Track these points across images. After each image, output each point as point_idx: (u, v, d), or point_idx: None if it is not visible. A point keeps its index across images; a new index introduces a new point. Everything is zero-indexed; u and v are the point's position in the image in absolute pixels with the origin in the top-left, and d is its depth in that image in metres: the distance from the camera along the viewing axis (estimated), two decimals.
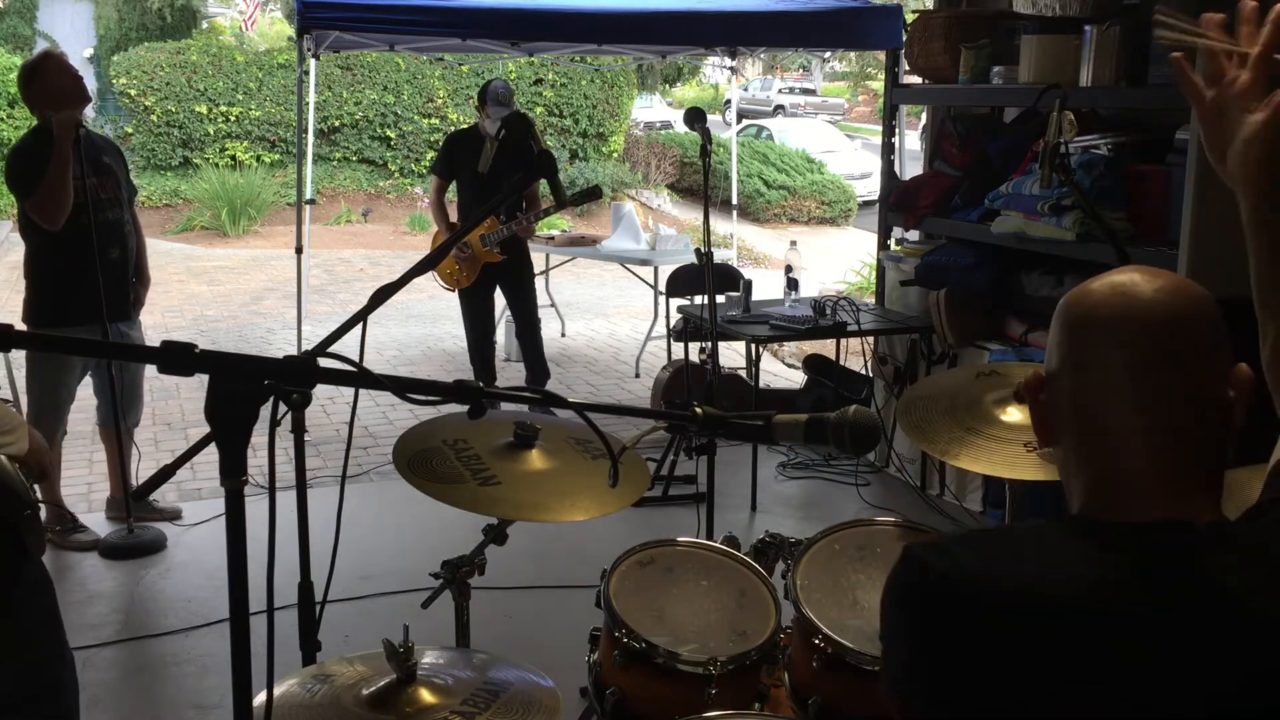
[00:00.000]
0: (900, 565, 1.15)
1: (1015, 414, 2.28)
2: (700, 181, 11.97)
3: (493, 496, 2.07)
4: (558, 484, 2.15)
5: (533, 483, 2.14)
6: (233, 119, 15.71)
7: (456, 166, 6.07)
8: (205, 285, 10.98)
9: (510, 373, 7.24)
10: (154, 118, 15.54)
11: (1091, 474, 1.16)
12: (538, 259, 7.62)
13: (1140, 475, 1.13)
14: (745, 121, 20.85)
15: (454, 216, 6.31)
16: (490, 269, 6.04)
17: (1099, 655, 1.04)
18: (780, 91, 30.55)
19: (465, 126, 6.52)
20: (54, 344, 2.11)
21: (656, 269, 7.70)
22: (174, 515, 4.80)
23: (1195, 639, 1.04)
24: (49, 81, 4.19)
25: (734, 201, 9.90)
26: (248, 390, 1.20)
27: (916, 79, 5.50)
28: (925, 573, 1.12)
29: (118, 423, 4.49)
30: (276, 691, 1.69)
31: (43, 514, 2.51)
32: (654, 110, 24.03)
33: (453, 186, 6.24)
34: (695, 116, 4.01)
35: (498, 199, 3.37)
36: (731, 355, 7.41)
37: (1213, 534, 1.11)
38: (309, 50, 6.55)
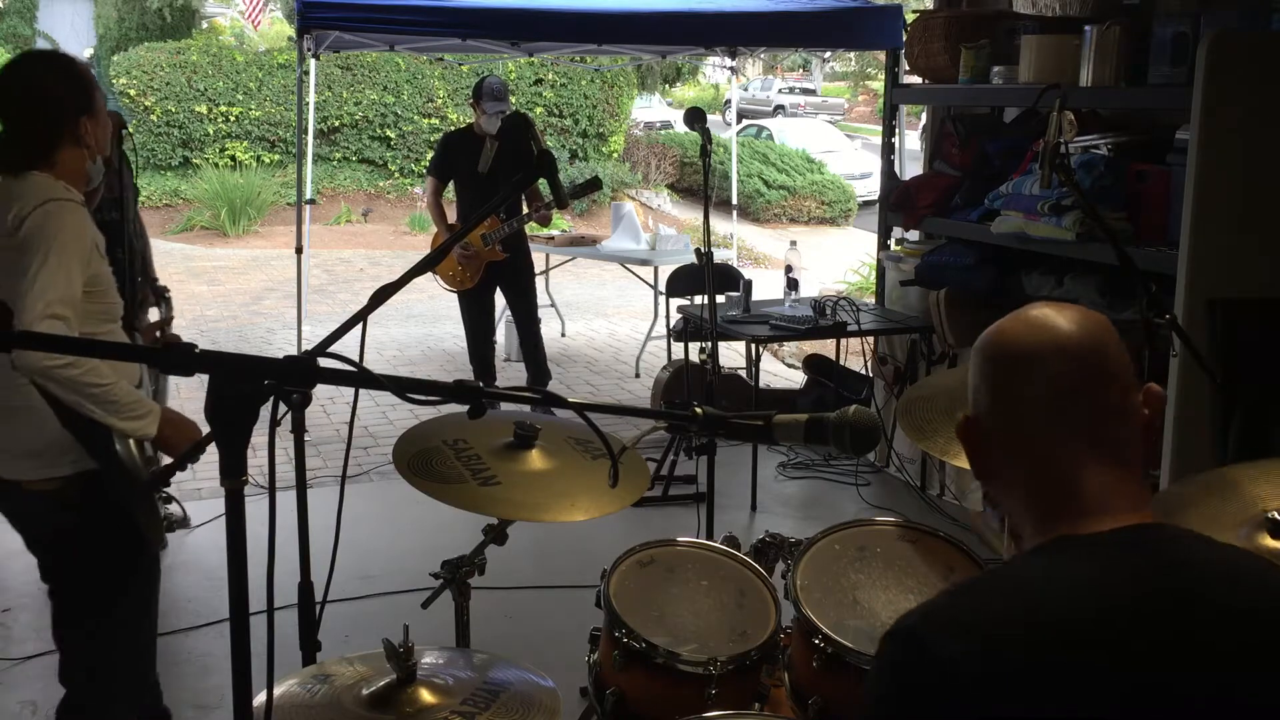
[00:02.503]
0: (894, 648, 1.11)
1: None
2: (700, 181, 11.97)
3: (493, 496, 2.07)
4: (558, 484, 2.15)
5: (533, 483, 2.14)
6: (233, 119, 15.70)
7: (453, 168, 6.06)
8: (205, 285, 10.97)
9: (510, 373, 7.24)
10: (154, 118, 15.54)
11: (1044, 505, 1.19)
12: (538, 259, 7.62)
13: (1092, 495, 1.16)
14: (745, 121, 20.85)
15: (452, 217, 6.30)
16: (491, 269, 6.03)
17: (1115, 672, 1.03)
18: (780, 91, 30.53)
19: (460, 127, 6.51)
20: (54, 344, 2.11)
21: (656, 269, 7.70)
22: (180, 523, 4.76)
23: (1190, 629, 1.06)
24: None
25: (734, 201, 9.90)
26: (248, 390, 1.20)
27: (916, 79, 5.50)
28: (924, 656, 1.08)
29: None
30: (276, 691, 1.69)
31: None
32: (654, 110, 24.02)
33: (450, 188, 6.24)
34: (695, 116, 4.01)
35: (497, 200, 3.34)
36: (731, 355, 7.41)
37: (1175, 533, 1.17)
38: (309, 50, 6.55)
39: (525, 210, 5.95)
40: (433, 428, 2.27)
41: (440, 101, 16.22)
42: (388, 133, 16.09)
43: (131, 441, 2.41)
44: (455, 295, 6.23)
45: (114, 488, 2.42)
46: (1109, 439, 1.18)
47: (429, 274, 3.78)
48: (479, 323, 6.24)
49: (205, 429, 1.24)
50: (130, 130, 4.20)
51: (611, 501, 2.13)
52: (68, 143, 2.44)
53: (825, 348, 6.52)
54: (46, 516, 2.50)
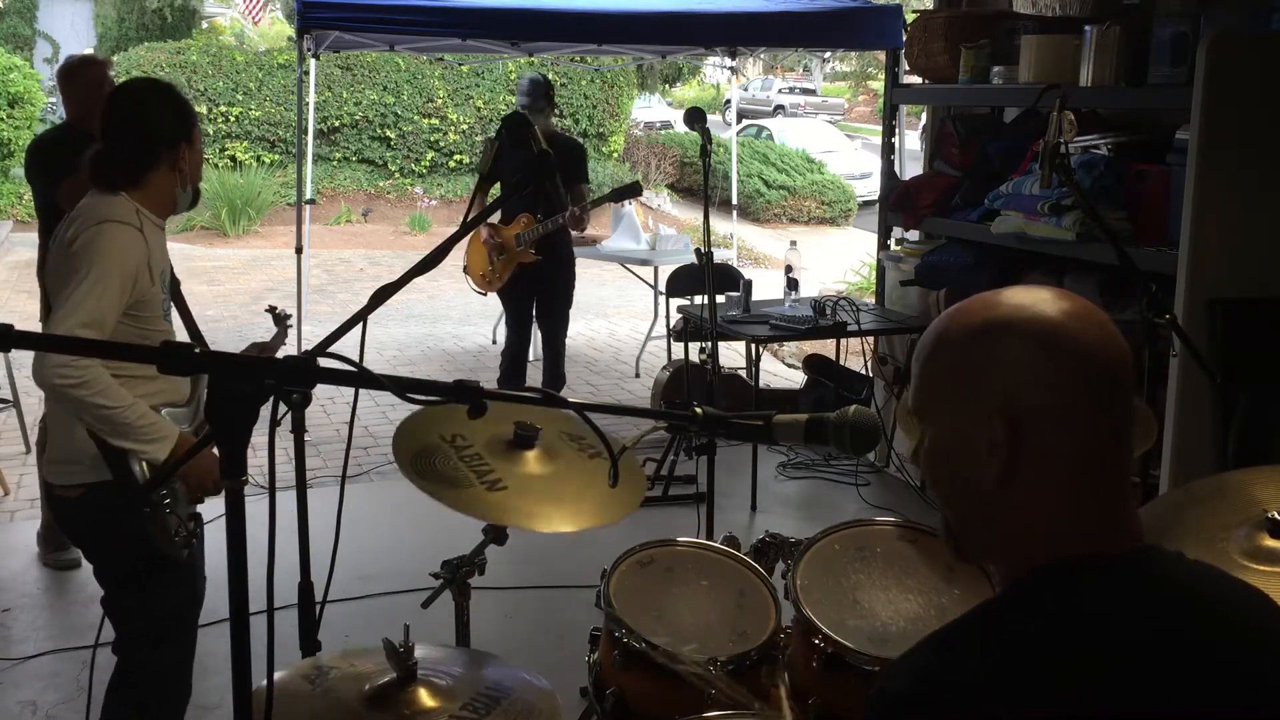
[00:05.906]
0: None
1: None
2: (700, 181, 11.97)
3: (503, 505, 2.04)
4: (563, 488, 2.13)
5: (538, 487, 2.12)
6: (233, 119, 15.70)
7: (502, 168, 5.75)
8: (205, 285, 10.97)
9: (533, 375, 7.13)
10: None
11: (1081, 514, 1.11)
12: None
13: (1116, 515, 1.12)
14: (745, 121, 20.86)
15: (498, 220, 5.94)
16: (529, 275, 5.81)
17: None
18: (780, 91, 30.53)
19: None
20: (54, 344, 2.11)
21: (656, 269, 7.70)
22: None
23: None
24: (81, 94, 4.24)
25: (734, 201, 9.90)
26: (248, 390, 1.20)
27: (916, 79, 5.50)
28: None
29: None
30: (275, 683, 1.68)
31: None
32: (654, 110, 24.03)
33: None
34: (695, 116, 4.01)
35: (493, 204, 3.33)
36: (731, 355, 7.41)
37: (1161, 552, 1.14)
38: (309, 50, 6.55)
39: (572, 204, 5.62)
40: (428, 420, 2.23)
41: (440, 101, 16.21)
42: (388, 133, 16.09)
43: (144, 462, 2.45)
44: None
45: (125, 500, 2.48)
46: (1131, 439, 1.13)
47: (428, 273, 3.77)
48: (514, 329, 6.09)
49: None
50: None
51: (622, 505, 2.12)
52: (162, 168, 2.53)
53: (825, 348, 6.52)
54: (71, 519, 2.64)
